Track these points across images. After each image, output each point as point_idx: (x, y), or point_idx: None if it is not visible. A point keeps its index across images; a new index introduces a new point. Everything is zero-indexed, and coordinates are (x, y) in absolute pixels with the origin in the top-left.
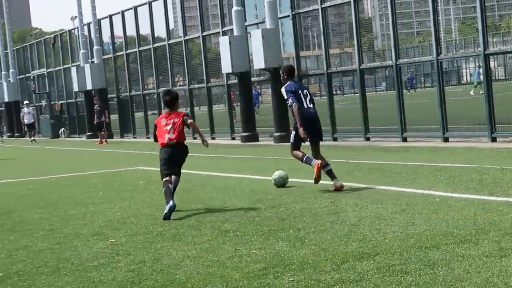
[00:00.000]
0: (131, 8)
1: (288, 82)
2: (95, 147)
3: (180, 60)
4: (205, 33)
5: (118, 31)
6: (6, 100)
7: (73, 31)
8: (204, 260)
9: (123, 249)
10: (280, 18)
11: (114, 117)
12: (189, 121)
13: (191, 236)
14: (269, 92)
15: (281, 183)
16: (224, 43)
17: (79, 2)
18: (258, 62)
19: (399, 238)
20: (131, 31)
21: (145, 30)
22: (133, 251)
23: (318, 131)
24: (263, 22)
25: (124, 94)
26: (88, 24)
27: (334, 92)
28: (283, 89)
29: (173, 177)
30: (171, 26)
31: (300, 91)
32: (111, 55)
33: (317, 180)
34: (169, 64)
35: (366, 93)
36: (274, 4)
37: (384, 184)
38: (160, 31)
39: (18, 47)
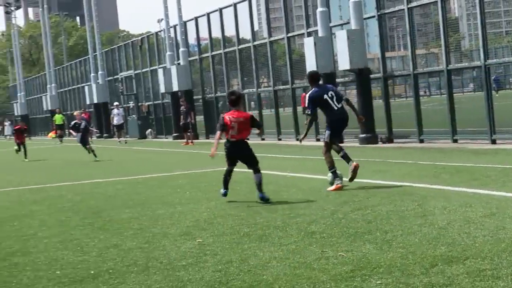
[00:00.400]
0: (216, 10)
1: (312, 89)
2: (181, 148)
3: (264, 61)
4: (289, 34)
5: (204, 33)
6: (95, 101)
7: (159, 33)
8: (290, 262)
9: (210, 249)
10: (365, 18)
11: (200, 118)
12: (257, 131)
13: (277, 237)
14: (354, 93)
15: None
16: (309, 44)
17: (166, 4)
18: (343, 63)
19: (489, 242)
20: (216, 33)
21: (230, 31)
22: (220, 251)
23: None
24: (348, 23)
25: (210, 95)
26: (174, 26)
27: (422, 93)
28: (306, 97)
29: (255, 175)
30: (256, 27)
31: (325, 95)
32: (196, 57)
33: (352, 178)
34: (253, 65)
35: (453, 94)
36: (359, 5)
37: (473, 187)
38: (245, 33)
39: (106, 49)
